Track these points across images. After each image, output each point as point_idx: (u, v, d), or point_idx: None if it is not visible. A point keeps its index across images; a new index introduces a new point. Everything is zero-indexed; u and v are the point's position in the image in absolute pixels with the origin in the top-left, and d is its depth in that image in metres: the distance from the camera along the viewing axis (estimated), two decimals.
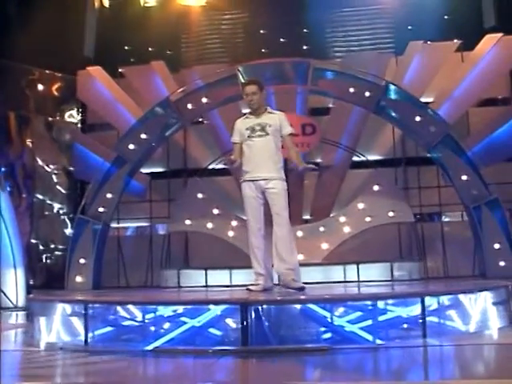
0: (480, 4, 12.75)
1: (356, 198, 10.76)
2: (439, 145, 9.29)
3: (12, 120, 12.13)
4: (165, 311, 5.00)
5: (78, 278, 9.57)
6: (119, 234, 12.09)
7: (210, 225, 10.82)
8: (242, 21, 13.58)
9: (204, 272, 9.91)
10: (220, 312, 4.58)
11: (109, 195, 9.82)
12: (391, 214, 10.39)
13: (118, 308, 5.24)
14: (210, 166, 11.65)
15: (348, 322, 4.64)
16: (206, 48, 13.50)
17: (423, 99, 10.77)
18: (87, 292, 8.84)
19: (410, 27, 12.56)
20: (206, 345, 4.52)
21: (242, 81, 9.68)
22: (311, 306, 4.62)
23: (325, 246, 10.47)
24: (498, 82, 11.63)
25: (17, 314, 8.64)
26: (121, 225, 12.09)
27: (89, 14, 13.19)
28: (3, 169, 11.48)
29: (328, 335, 4.67)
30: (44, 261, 12.42)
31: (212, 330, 4.67)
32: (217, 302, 4.73)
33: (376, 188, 10.61)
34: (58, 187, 12.83)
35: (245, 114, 6.15)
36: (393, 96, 9.62)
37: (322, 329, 4.85)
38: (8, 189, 10.87)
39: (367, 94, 9.54)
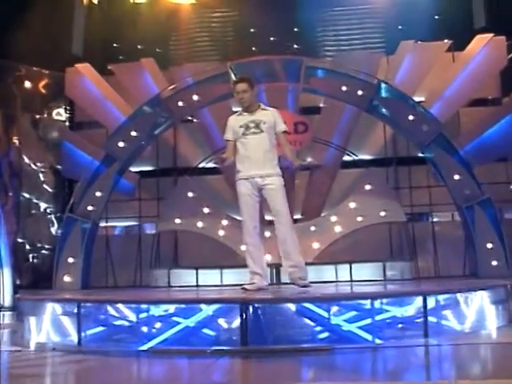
0: (470, 5, 12.75)
1: (347, 198, 10.71)
2: (432, 144, 9.25)
3: None
4: (161, 311, 4.90)
5: (67, 278, 9.42)
6: (107, 233, 11.92)
7: (200, 224, 10.70)
8: (232, 19, 13.47)
9: (195, 271, 9.80)
10: (219, 311, 4.50)
11: (98, 193, 9.68)
12: (383, 213, 10.34)
13: (112, 307, 5.13)
14: (201, 165, 11.54)
15: (348, 321, 4.58)
16: (195, 46, 13.37)
17: (414, 99, 10.72)
18: (76, 292, 8.71)
19: (400, 27, 12.53)
20: (204, 345, 4.43)
21: (234, 78, 9.59)
22: (312, 305, 4.54)
23: (316, 245, 10.39)
24: (489, 83, 11.61)
25: (3, 315, 8.50)
26: (109, 224, 11.91)
27: (77, 10, 12.99)
28: None
29: (327, 335, 4.61)
30: (31, 260, 12.23)
31: (210, 330, 4.58)
32: (216, 301, 4.63)
33: (368, 187, 10.56)
34: (45, 186, 12.66)
35: (237, 112, 6.08)
36: (385, 94, 9.58)
37: (319, 328, 4.79)
38: None
39: (360, 92, 9.48)
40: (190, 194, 10.92)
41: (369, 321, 4.56)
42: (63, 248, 9.56)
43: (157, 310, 4.99)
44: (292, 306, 4.57)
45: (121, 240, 12.13)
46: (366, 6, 13.05)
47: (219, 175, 11.69)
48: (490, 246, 8.77)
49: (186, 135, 12.26)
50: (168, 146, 12.17)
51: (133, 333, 5.02)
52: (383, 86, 9.62)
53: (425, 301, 4.54)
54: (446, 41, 11.74)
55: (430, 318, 4.80)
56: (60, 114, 13.07)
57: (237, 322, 4.31)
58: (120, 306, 5.07)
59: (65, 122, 13.05)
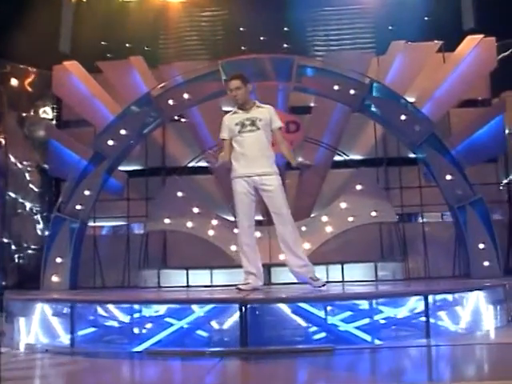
0: (459, 6, 12.77)
1: (338, 198, 10.66)
2: (424, 144, 9.23)
3: None
4: (159, 311, 4.80)
5: (55, 278, 9.26)
6: (95, 232, 11.76)
7: (189, 224, 10.60)
8: (222, 18, 13.36)
9: (185, 272, 9.70)
10: (216, 312, 4.41)
11: (86, 192, 9.53)
12: (374, 213, 10.30)
13: (105, 308, 5.02)
14: (190, 165, 11.43)
15: (349, 322, 4.51)
16: (184, 45, 13.24)
17: None
18: (65, 292, 8.58)
19: (390, 27, 12.51)
20: (202, 346, 4.34)
21: (224, 77, 9.52)
22: (313, 305, 4.47)
23: (307, 245, 10.30)
24: (478, 84, 11.64)
25: None
26: (97, 224, 11.75)
27: (65, 7, 12.81)
28: None
29: (328, 336, 4.53)
30: (16, 260, 12.04)
31: (208, 331, 4.49)
32: (216, 301, 4.53)
33: (358, 187, 10.52)
34: (31, 185, 12.48)
35: (230, 111, 6.02)
36: (378, 94, 9.53)
37: (318, 329, 4.72)
38: None
39: (352, 91, 9.43)
40: (180, 194, 10.81)
41: (368, 321, 4.50)
42: (51, 248, 9.40)
43: (153, 311, 4.89)
44: (294, 307, 4.48)
45: (108, 240, 11.97)
46: (356, 7, 13.01)
47: (209, 175, 11.62)
48: (481, 246, 8.76)
49: (175, 134, 12.15)
50: (157, 146, 12.06)
51: (126, 334, 4.92)
52: (375, 85, 9.58)
53: (426, 301, 4.48)
54: (435, 41, 11.75)
55: (430, 318, 4.75)
56: (47, 112, 12.90)
57: (235, 323, 4.22)
58: (114, 306, 4.95)
59: (52, 120, 12.88)
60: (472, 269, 8.80)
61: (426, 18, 12.31)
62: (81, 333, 5.24)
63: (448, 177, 9.08)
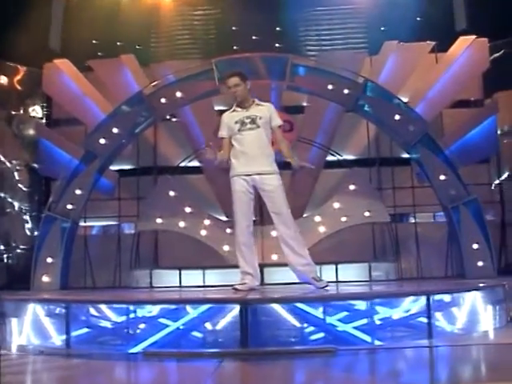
0: (452, 7, 12.80)
1: (331, 198, 10.63)
2: (418, 144, 9.20)
3: None
4: (153, 311, 4.72)
5: (45, 278, 9.13)
6: (86, 232, 11.63)
7: (181, 223, 10.52)
8: (214, 17, 13.30)
9: (178, 272, 9.62)
10: (214, 312, 4.33)
11: (78, 192, 9.41)
12: (367, 213, 10.28)
13: (101, 308, 4.93)
14: (182, 164, 11.35)
15: (350, 323, 4.46)
16: (176, 44, 13.16)
17: None
18: (56, 292, 8.47)
19: (382, 28, 12.51)
20: (201, 347, 4.26)
21: (218, 75, 9.45)
22: (312, 306, 4.41)
23: None
24: (471, 84, 11.65)
25: None
26: (88, 223, 11.63)
27: (55, 5, 12.70)
28: None
29: (327, 336, 4.48)
30: (5, 261, 11.90)
31: (207, 332, 4.41)
32: (215, 301, 4.45)
33: (352, 188, 10.49)
34: (20, 185, 12.34)
35: (226, 110, 5.96)
36: (372, 94, 9.50)
37: (318, 329, 4.67)
38: None
39: (346, 91, 9.39)
40: (172, 193, 10.73)
41: (368, 322, 4.45)
42: (41, 247, 9.27)
43: (149, 311, 4.81)
44: (296, 307, 4.41)
45: (99, 240, 11.84)
46: (348, 7, 13.01)
47: (200, 175, 11.54)
48: (475, 246, 8.74)
49: (167, 134, 12.05)
50: (148, 145, 11.96)
51: (122, 335, 4.83)
52: (369, 85, 9.55)
53: (428, 301, 4.44)
54: (428, 42, 11.74)
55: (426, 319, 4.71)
56: (36, 110, 12.76)
57: (235, 323, 4.15)
58: (110, 307, 4.86)
59: (41, 119, 12.74)
60: (466, 269, 8.79)
61: (418, 19, 12.33)
62: (74, 334, 5.15)
63: (442, 177, 9.06)
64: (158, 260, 11.26)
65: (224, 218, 11.11)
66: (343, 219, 10.37)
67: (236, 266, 9.61)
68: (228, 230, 10.61)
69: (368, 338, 4.38)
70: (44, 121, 12.73)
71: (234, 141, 5.68)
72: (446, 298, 4.83)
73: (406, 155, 10.98)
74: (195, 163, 11.55)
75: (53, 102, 12.30)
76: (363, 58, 11.77)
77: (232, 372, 3.68)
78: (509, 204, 11.58)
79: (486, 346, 4.53)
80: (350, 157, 11.59)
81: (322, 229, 10.36)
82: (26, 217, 12.43)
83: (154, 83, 9.98)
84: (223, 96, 10.83)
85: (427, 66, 11.43)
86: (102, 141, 9.45)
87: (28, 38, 11.27)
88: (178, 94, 9.70)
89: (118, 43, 12.63)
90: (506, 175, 11.78)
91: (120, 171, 11.61)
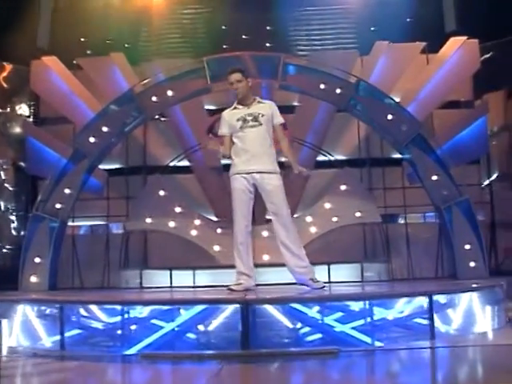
0: (442, 8, 12.82)
1: (322, 198, 10.58)
2: (410, 144, 9.18)
3: None
4: (149, 312, 4.62)
5: (33, 278, 8.97)
6: (74, 232, 11.48)
7: (171, 223, 10.42)
8: (204, 16, 13.21)
9: (168, 272, 9.52)
10: (212, 313, 4.24)
11: (67, 191, 9.26)
12: (358, 214, 10.25)
13: (97, 309, 4.83)
14: (172, 164, 11.26)
15: (351, 324, 4.40)
16: (166, 42, 13.07)
17: None
18: (45, 293, 8.33)
19: (372, 28, 12.50)
20: (199, 348, 4.17)
21: (209, 73, 9.37)
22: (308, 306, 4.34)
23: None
24: (461, 85, 11.66)
25: None
26: (76, 223, 11.47)
27: (43, 1, 12.54)
28: None
29: (326, 337, 4.41)
30: None
31: (207, 333, 4.32)
32: (217, 302, 4.36)
33: (343, 188, 10.45)
34: (6, 184, 12.17)
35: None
36: (364, 93, 9.46)
37: (307, 329, 4.61)
38: None
39: (338, 90, 9.34)
40: (162, 193, 10.63)
41: (369, 323, 4.39)
42: (29, 247, 9.10)
43: (144, 312, 4.72)
44: (298, 308, 4.34)
45: (87, 240, 11.69)
46: (339, 7, 13.00)
47: (190, 174, 11.44)
48: (468, 247, 8.73)
49: (156, 133, 11.94)
50: (138, 144, 11.82)
51: (117, 336, 4.73)
52: (362, 84, 9.51)
53: (430, 301, 4.39)
54: (419, 42, 11.73)
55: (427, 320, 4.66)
56: (23, 109, 12.59)
57: (235, 324, 4.06)
58: (104, 307, 4.76)
59: (28, 117, 12.57)
60: (458, 269, 8.77)
61: (408, 20, 12.34)
62: (67, 335, 5.04)
63: (434, 177, 9.04)
64: (147, 260, 11.12)
65: (214, 218, 11.03)
66: (334, 219, 10.33)
67: (226, 267, 9.63)
68: (219, 230, 10.54)
69: (368, 339, 4.32)
70: (31, 119, 12.55)
71: (236, 138, 5.61)
72: (446, 298, 4.79)
73: (396, 156, 10.98)
74: (185, 163, 11.45)
75: (40, 100, 12.11)
76: (354, 58, 11.72)
77: (234, 375, 3.59)
78: (498, 205, 11.62)
79: (489, 347, 4.49)
80: (341, 157, 11.54)
81: (313, 229, 10.31)
82: (13, 216, 12.26)
83: (145, 81, 9.87)
84: (214, 95, 10.79)
85: (418, 66, 11.41)
86: (92, 139, 9.32)
87: (15, 35, 11.15)
88: (169, 93, 9.58)
89: (107, 41, 12.50)
90: (495, 176, 11.82)
91: (109, 170, 11.46)
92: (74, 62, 11.62)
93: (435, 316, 4.67)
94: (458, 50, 11.19)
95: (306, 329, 4.47)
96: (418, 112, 10.70)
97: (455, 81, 11.30)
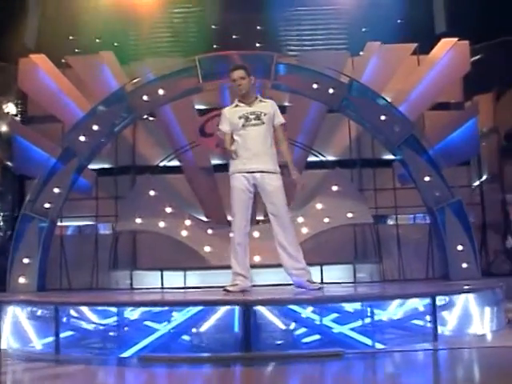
0: (432, 10, 12.85)
1: (314, 199, 10.54)
2: (402, 145, 9.17)
3: None
4: (145, 313, 4.53)
5: (22, 279, 8.84)
6: (62, 232, 11.32)
7: (161, 224, 10.31)
8: (194, 15, 13.13)
9: (159, 273, 9.42)
10: (218, 314, 4.15)
11: (56, 190, 9.14)
12: (350, 215, 10.22)
13: (93, 311, 4.72)
14: (161, 164, 11.16)
15: (350, 325, 4.34)
16: (155, 42, 12.98)
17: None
18: (33, 294, 8.19)
19: (363, 29, 12.49)
20: (199, 351, 4.08)
21: (201, 72, 9.29)
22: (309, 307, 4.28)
23: None
24: (451, 87, 11.67)
25: None
26: (64, 223, 11.31)
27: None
28: None
29: (325, 338, 4.35)
30: None
31: (209, 335, 4.24)
32: (217, 303, 4.27)
33: (334, 188, 10.42)
34: None
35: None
36: (357, 94, 9.43)
37: (308, 330, 4.54)
38: None
39: (331, 90, 9.31)
40: (152, 193, 10.52)
41: (370, 324, 4.34)
42: (18, 248, 8.97)
43: (140, 313, 4.62)
44: (299, 309, 4.28)
45: (75, 240, 11.54)
46: (330, 7, 12.97)
47: (180, 174, 11.36)
48: (460, 248, 8.73)
49: (146, 133, 11.82)
50: (127, 144, 11.71)
51: (113, 338, 4.63)
52: (355, 84, 9.48)
53: (433, 302, 4.34)
54: (409, 44, 11.72)
55: (418, 321, 4.63)
56: (10, 107, 12.43)
57: (236, 326, 3.98)
58: (100, 309, 4.66)
59: (16, 116, 12.40)
60: (451, 270, 8.77)
61: (399, 21, 12.33)
62: (68, 337, 4.95)
63: (426, 178, 9.04)
64: (137, 261, 11.01)
65: (205, 219, 10.94)
66: (326, 220, 10.29)
67: (217, 267, 9.56)
68: (209, 231, 10.46)
69: (369, 341, 4.26)
70: (18, 118, 12.38)
71: (237, 136, 5.53)
72: (445, 299, 4.75)
73: (387, 157, 10.98)
74: (175, 163, 11.36)
75: (28, 98, 11.94)
76: (345, 59, 11.69)
77: (237, 378, 3.50)
78: (489, 206, 11.65)
79: (493, 349, 4.45)
80: (332, 158, 11.51)
81: (304, 230, 10.25)
82: None
83: (136, 80, 9.76)
84: (204, 95, 10.72)
85: (409, 67, 11.41)
86: (82, 138, 9.20)
87: (3, 32, 10.99)
88: (161, 92, 9.49)
89: (97, 40, 12.36)
90: (485, 177, 11.86)
91: (98, 170, 11.33)
92: (63, 60, 11.46)
93: (432, 317, 4.63)
94: (449, 51, 11.19)
95: (306, 330, 4.41)
96: (409, 113, 10.67)
97: (446, 82, 11.31)
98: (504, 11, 11.31)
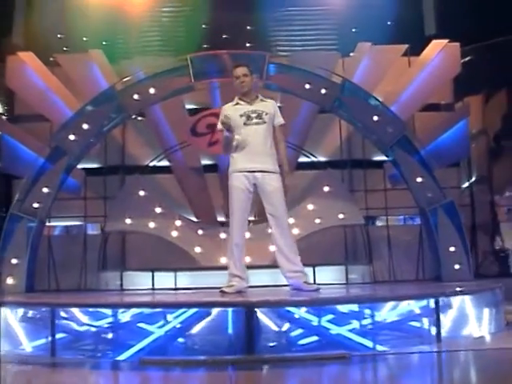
0: (422, 11, 12.90)
1: (305, 200, 10.49)
2: (395, 146, 9.15)
3: None
4: (149, 314, 4.45)
5: (10, 280, 8.70)
6: (49, 233, 11.16)
7: (151, 224, 10.21)
8: (183, 14, 13.07)
9: (150, 274, 9.33)
10: (218, 316, 4.08)
11: (45, 190, 9.01)
12: (341, 216, 10.19)
13: (87, 312, 4.63)
14: (151, 164, 11.06)
15: (354, 327, 4.29)
16: (145, 41, 12.89)
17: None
18: (23, 295, 8.07)
19: (354, 30, 12.49)
20: (200, 353, 4.01)
21: (193, 71, 9.22)
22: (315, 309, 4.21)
23: (272, 247, 10.03)
24: (442, 88, 11.69)
25: None
26: (52, 223, 11.15)
27: None
28: None
29: (316, 339, 4.30)
30: None
31: (210, 337, 4.16)
32: (217, 305, 4.20)
33: (326, 189, 10.39)
34: None
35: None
36: (350, 94, 9.41)
37: (308, 332, 4.49)
38: None
39: (323, 91, 9.28)
40: (142, 193, 10.42)
41: (372, 326, 4.29)
42: (6, 248, 8.83)
43: (137, 314, 4.54)
44: (299, 311, 4.22)
45: (64, 241, 11.38)
46: (320, 8, 12.97)
47: (170, 174, 11.26)
48: (452, 249, 8.74)
49: (135, 132, 11.70)
50: (116, 144, 11.57)
51: (110, 340, 4.54)
52: (348, 85, 9.45)
53: (437, 304, 4.30)
54: (399, 45, 11.72)
55: (420, 323, 4.60)
56: None
57: (237, 328, 3.92)
58: (96, 310, 4.57)
59: (2, 114, 12.22)
60: (443, 271, 8.77)
61: (389, 23, 12.34)
62: (63, 340, 4.85)
63: (419, 179, 9.04)
64: (126, 262, 10.89)
65: (195, 219, 10.86)
66: (317, 221, 10.25)
67: (207, 268, 9.49)
68: (200, 232, 10.37)
69: (370, 343, 4.22)
70: (4, 117, 12.20)
71: (237, 135, 5.46)
72: (443, 301, 4.71)
73: (378, 158, 10.97)
74: (165, 163, 11.26)
75: (15, 96, 11.76)
76: (336, 59, 11.66)
77: (243, 381, 3.42)
78: (478, 207, 11.69)
79: (495, 350, 4.42)
80: (323, 158, 11.47)
81: (295, 231, 10.18)
82: None
83: (127, 79, 9.65)
84: (195, 94, 10.64)
85: (400, 69, 11.40)
86: (72, 137, 9.08)
87: None
88: (151, 91, 9.39)
89: (85, 39, 12.23)
90: (475, 178, 11.89)
91: (86, 170, 11.19)
92: (51, 58, 11.31)
93: (435, 319, 4.60)
94: (440, 53, 11.19)
95: (310, 333, 4.35)
96: (400, 114, 10.63)
97: (436, 84, 11.30)
98: (494, 13, 11.38)
